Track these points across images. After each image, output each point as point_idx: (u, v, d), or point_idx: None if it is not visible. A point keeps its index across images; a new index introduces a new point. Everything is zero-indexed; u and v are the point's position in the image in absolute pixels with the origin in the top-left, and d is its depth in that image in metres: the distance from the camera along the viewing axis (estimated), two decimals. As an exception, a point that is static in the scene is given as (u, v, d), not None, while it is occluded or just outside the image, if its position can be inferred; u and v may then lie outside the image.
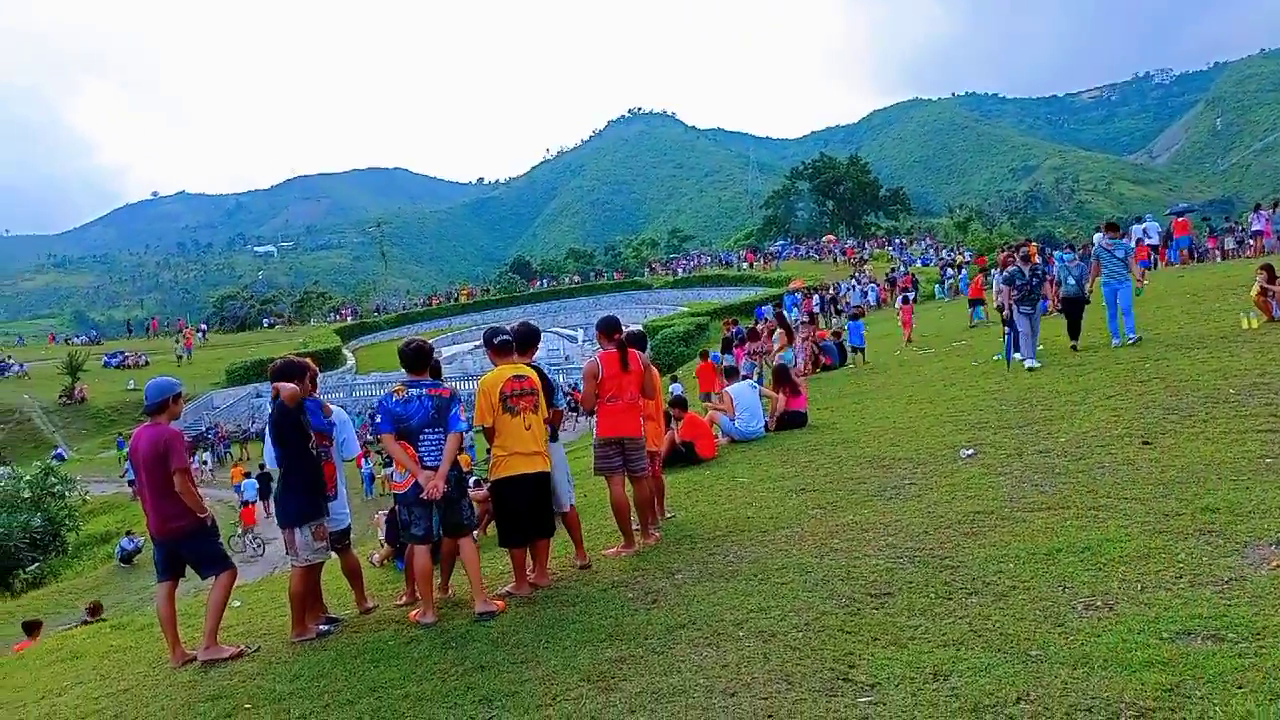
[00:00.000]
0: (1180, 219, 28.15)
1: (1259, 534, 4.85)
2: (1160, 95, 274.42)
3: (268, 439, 5.75)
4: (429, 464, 5.54)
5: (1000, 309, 13.50)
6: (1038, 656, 3.82)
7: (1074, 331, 12.86)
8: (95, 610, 13.27)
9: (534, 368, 6.34)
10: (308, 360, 6.01)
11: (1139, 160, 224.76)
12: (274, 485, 5.93)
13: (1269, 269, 12.25)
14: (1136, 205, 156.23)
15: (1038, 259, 13.29)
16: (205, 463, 34.95)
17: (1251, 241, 25.70)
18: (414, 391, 5.62)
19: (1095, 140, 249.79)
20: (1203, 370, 9.39)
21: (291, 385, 5.56)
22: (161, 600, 5.72)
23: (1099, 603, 4.28)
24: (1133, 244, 15.70)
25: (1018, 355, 12.36)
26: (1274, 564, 4.42)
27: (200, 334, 67.71)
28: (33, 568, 23.44)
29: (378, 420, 5.67)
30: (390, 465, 6.36)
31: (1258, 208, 26.25)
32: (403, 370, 5.83)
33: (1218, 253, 29.00)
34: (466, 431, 5.77)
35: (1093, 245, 14.74)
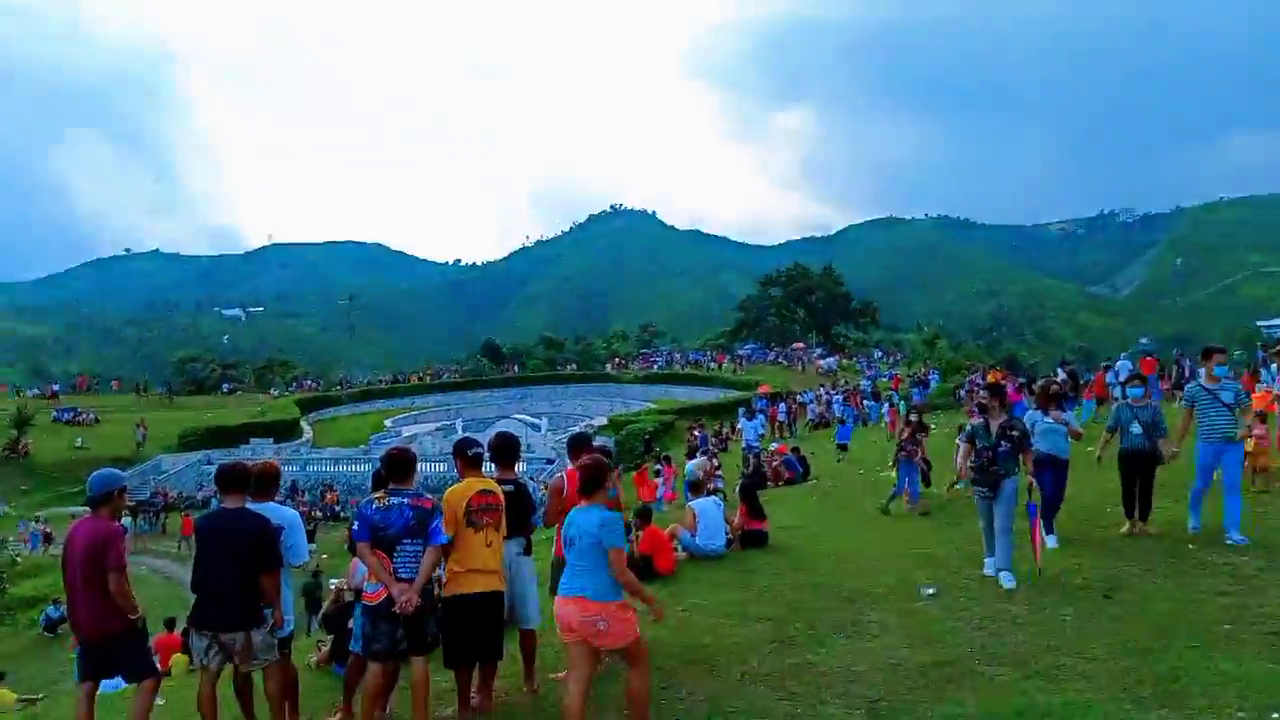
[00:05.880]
0: (1148, 357, 28.69)
1: (1219, 710, 4.79)
2: (1124, 232, 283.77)
3: None
4: (403, 576, 5.35)
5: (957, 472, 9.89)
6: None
7: (1135, 504, 9.26)
8: None
9: (518, 484, 6.26)
10: (264, 466, 5.91)
11: (1102, 292, 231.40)
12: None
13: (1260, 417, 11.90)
14: (1099, 335, 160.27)
15: (998, 405, 8.34)
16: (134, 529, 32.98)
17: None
18: (395, 500, 5.47)
19: (1061, 270, 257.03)
20: (1165, 518, 9.40)
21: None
22: (81, 704, 5.40)
23: (1060, 780, 4.16)
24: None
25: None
26: (1237, 748, 4.33)
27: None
28: (-49, 630, 22.36)
29: (354, 527, 5.52)
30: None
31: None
32: (359, 447, 5.70)
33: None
34: (446, 544, 5.58)
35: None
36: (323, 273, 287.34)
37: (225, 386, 78.12)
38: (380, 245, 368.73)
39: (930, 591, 7.85)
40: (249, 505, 5.70)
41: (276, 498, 6.10)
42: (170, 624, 14.35)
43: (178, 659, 12.14)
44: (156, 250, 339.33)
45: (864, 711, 5.21)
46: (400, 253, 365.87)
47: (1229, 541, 8.35)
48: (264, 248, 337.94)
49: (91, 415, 53.92)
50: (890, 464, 13.95)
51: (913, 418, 14.95)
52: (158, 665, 5.62)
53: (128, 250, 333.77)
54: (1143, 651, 5.77)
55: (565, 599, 4.97)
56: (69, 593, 5.32)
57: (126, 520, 32.50)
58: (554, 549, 6.50)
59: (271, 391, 73.57)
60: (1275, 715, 4.64)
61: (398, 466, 5.62)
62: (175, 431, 48.33)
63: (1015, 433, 7.94)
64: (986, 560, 8.31)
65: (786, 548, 11.02)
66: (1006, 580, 7.78)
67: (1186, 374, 26.94)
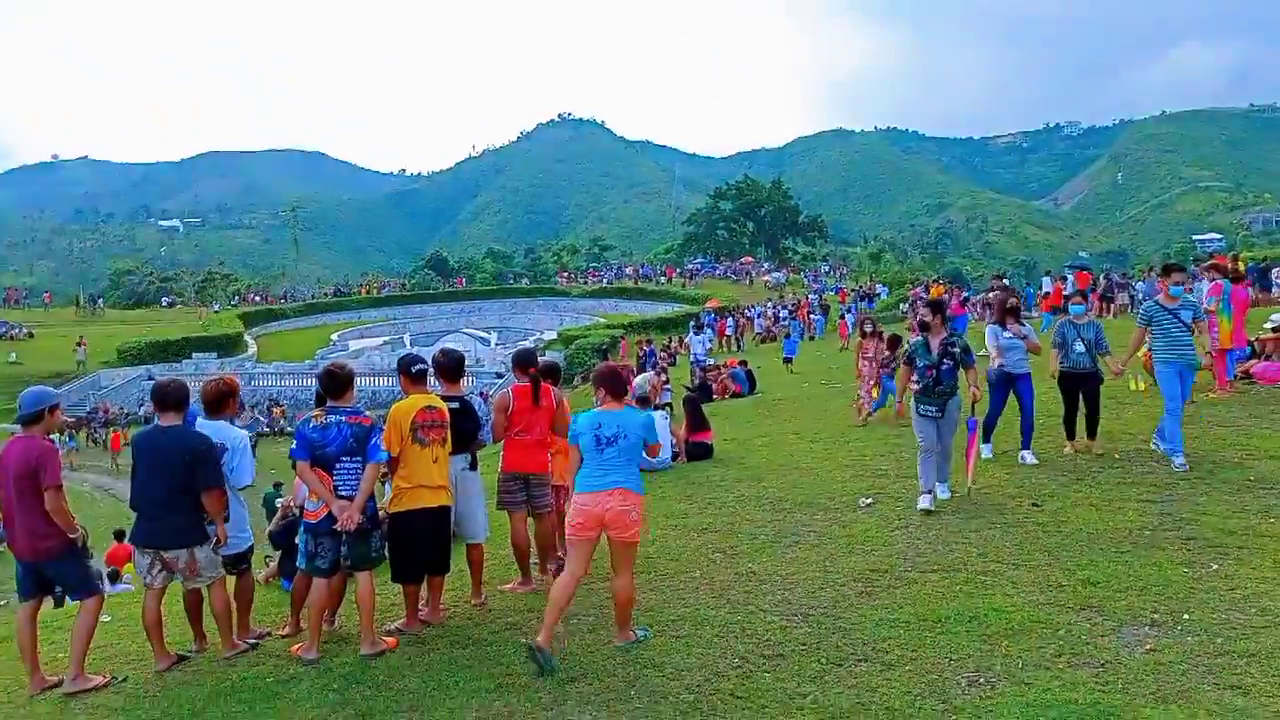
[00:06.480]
0: (1082, 271, 29.34)
1: (1135, 612, 5.05)
2: (1068, 146, 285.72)
3: None
4: (344, 494, 5.38)
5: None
6: (922, 737, 3.88)
7: (1074, 424, 9.06)
8: None
9: (462, 400, 6.25)
10: (217, 384, 5.88)
11: (1045, 206, 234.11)
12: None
13: None
14: (1040, 249, 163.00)
15: (944, 319, 8.09)
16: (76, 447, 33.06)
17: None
18: (332, 418, 5.46)
19: (1006, 184, 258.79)
20: (1101, 431, 9.70)
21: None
22: (23, 623, 5.38)
23: (982, 679, 4.39)
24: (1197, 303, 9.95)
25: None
26: (1148, 646, 4.60)
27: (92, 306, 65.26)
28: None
29: (294, 446, 5.51)
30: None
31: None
32: (306, 362, 5.68)
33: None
34: (386, 462, 5.60)
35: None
36: (262, 183, 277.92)
37: (165, 300, 76.37)
38: (321, 154, 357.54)
39: (867, 502, 8.09)
40: (203, 422, 5.67)
41: (232, 415, 6.06)
42: (120, 535, 14.39)
43: (131, 567, 12.16)
44: (85, 157, 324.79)
45: (800, 617, 5.41)
46: (343, 162, 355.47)
47: (1153, 449, 8.66)
48: (199, 155, 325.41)
49: (24, 330, 52.37)
50: (873, 383, 13.90)
51: (867, 328, 15.17)
52: (101, 584, 5.60)
53: (55, 156, 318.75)
54: (1066, 557, 6.04)
55: (601, 492, 5.12)
56: (4, 512, 5.26)
57: (56, 438, 32.01)
58: (500, 464, 6.56)
59: (213, 305, 72.05)
60: (1187, 617, 4.91)
61: (335, 384, 5.59)
62: (113, 346, 47.22)
63: (957, 349, 7.67)
64: (922, 498, 7.63)
65: (731, 460, 11.23)
66: (941, 491, 7.92)
67: (1114, 289, 27.71)
